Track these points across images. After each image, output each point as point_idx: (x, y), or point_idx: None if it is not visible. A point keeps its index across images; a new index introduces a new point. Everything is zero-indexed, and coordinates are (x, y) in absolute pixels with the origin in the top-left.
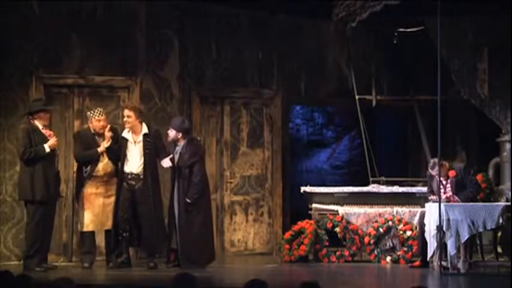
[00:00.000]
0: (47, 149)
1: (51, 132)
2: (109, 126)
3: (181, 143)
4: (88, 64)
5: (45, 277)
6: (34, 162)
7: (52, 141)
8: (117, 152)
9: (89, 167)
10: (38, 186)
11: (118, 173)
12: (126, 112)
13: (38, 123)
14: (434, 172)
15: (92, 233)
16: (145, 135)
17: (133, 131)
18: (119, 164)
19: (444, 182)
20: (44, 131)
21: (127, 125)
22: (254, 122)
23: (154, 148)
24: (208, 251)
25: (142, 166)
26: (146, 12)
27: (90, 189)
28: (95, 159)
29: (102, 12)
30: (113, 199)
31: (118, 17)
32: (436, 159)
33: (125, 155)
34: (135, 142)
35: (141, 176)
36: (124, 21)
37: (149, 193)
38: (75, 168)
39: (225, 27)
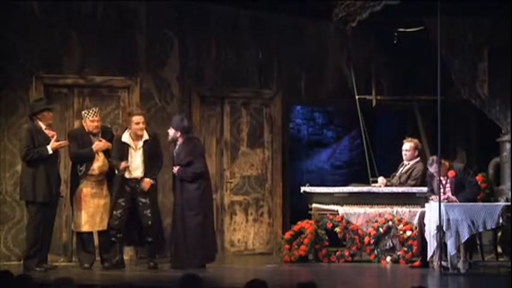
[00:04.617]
0: (50, 151)
1: (54, 133)
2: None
3: (180, 141)
4: (88, 64)
5: (45, 277)
6: (36, 163)
7: (55, 143)
8: (116, 154)
9: (83, 166)
10: (39, 187)
11: (113, 173)
12: (142, 119)
13: (41, 123)
14: (432, 169)
15: (91, 233)
16: (145, 141)
17: (136, 136)
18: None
19: (444, 182)
20: (46, 131)
21: (140, 132)
22: (254, 122)
23: (153, 153)
24: (203, 252)
25: (143, 171)
26: (146, 12)
27: (85, 190)
28: (90, 158)
29: (102, 12)
30: (106, 200)
31: (118, 17)
32: (435, 157)
33: (127, 160)
34: (136, 148)
35: (143, 179)
36: (124, 21)
37: (150, 195)
38: None
39: (225, 27)
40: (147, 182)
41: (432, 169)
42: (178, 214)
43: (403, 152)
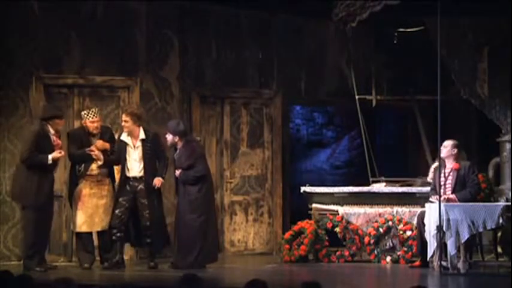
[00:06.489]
0: (50, 161)
1: (60, 142)
2: (100, 142)
3: (179, 145)
4: (88, 64)
5: (45, 277)
6: (33, 168)
7: (56, 153)
8: (116, 154)
9: (82, 166)
10: (28, 191)
11: (112, 174)
12: (124, 117)
13: (51, 128)
14: (443, 154)
15: (90, 233)
16: (143, 140)
17: (132, 135)
18: (115, 165)
19: (447, 174)
20: (54, 137)
21: (125, 129)
22: (254, 122)
23: (153, 152)
24: (206, 253)
25: (142, 170)
26: (146, 12)
27: (84, 190)
28: (89, 159)
29: (102, 12)
30: (105, 200)
31: (118, 17)
32: (450, 141)
33: (125, 159)
34: (134, 146)
35: (143, 178)
36: (124, 21)
37: (151, 193)
38: None
39: (225, 27)
40: (158, 180)
41: (443, 153)
42: (181, 215)
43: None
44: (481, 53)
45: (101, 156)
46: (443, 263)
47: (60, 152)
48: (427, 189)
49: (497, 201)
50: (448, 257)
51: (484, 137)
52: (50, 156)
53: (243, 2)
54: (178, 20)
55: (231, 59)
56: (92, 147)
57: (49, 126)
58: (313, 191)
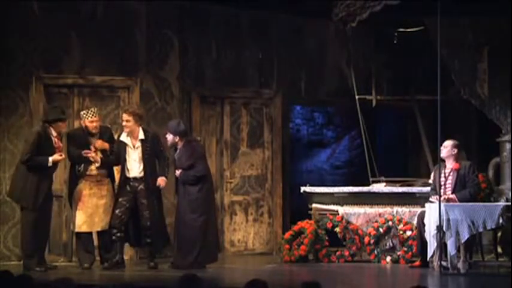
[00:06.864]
0: (50, 164)
1: (61, 145)
2: (98, 143)
3: (180, 145)
4: (88, 64)
5: (45, 277)
6: (32, 169)
7: (57, 156)
8: (116, 155)
9: (82, 166)
10: (27, 192)
11: (112, 174)
12: (125, 117)
13: (53, 131)
14: (443, 154)
15: (90, 233)
16: (142, 140)
17: (132, 135)
18: (115, 165)
19: (447, 174)
20: (55, 140)
21: (126, 129)
22: (254, 122)
23: (152, 152)
24: (206, 253)
25: (142, 170)
26: (146, 12)
27: (84, 190)
28: (87, 160)
29: (102, 12)
30: (105, 200)
31: (118, 17)
32: (451, 141)
33: (125, 159)
34: (133, 146)
35: (143, 179)
36: (124, 21)
37: (151, 194)
38: None
39: (225, 27)
40: (162, 180)
41: (443, 153)
42: (181, 216)
43: None
44: (481, 53)
45: (98, 158)
46: (443, 263)
47: (61, 155)
48: (427, 189)
49: (497, 201)
50: (448, 257)
51: (484, 137)
52: (51, 159)
53: (243, 2)
54: (178, 20)
55: (231, 59)
56: (90, 149)
57: (51, 129)
58: (313, 191)
